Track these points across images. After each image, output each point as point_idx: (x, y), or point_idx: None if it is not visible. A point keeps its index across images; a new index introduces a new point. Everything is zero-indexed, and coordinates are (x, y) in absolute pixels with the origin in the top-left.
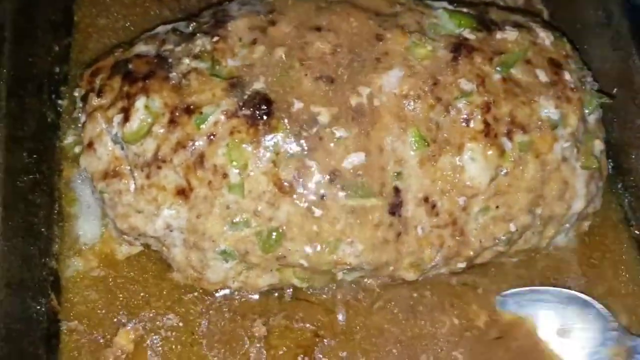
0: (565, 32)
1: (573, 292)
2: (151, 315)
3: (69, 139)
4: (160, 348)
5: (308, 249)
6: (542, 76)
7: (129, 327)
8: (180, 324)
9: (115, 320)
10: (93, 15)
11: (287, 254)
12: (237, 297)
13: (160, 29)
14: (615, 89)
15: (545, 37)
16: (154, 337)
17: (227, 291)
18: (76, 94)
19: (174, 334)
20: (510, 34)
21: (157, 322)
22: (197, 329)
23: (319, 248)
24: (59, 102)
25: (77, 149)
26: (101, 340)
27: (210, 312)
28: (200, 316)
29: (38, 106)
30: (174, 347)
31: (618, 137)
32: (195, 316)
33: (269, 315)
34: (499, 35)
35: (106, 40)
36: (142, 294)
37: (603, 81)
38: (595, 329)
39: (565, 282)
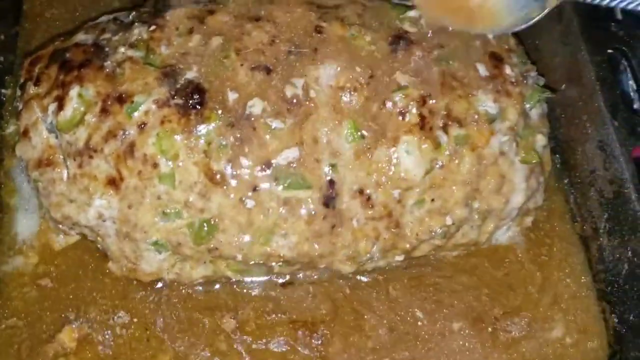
0: None
1: None
2: (98, 312)
3: (11, 129)
4: (112, 343)
5: (240, 241)
6: (482, 70)
7: (74, 325)
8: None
9: (61, 316)
10: (43, 4)
11: (219, 246)
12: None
13: (103, 18)
14: (564, 85)
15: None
16: (106, 333)
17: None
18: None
19: (125, 330)
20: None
21: (107, 319)
22: (151, 325)
23: (251, 240)
24: (3, 91)
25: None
26: (43, 336)
27: (162, 306)
28: (152, 312)
29: None
30: (125, 342)
31: (565, 133)
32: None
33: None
34: (441, 27)
35: (54, 30)
36: (86, 291)
37: (553, 76)
38: None
39: (509, 277)
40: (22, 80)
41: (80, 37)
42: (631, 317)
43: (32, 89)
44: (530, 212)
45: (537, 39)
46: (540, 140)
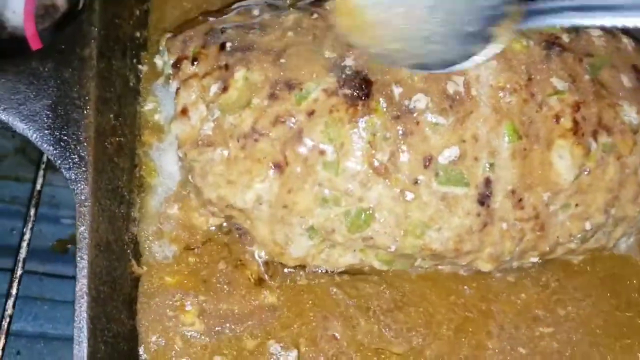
0: None
1: None
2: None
3: (149, 106)
4: None
5: (396, 232)
6: (626, 81)
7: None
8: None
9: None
10: None
11: (374, 235)
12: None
13: (252, 1)
14: None
15: (627, 44)
16: None
17: None
18: (157, 60)
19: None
20: (597, 37)
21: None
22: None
23: (406, 232)
24: (139, 67)
25: (156, 117)
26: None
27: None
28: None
29: (123, 69)
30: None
31: None
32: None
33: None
34: (587, 37)
35: (184, 4)
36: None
37: None
38: None
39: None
40: (173, 59)
41: (235, 18)
42: None
43: (189, 69)
44: None
45: None
46: None
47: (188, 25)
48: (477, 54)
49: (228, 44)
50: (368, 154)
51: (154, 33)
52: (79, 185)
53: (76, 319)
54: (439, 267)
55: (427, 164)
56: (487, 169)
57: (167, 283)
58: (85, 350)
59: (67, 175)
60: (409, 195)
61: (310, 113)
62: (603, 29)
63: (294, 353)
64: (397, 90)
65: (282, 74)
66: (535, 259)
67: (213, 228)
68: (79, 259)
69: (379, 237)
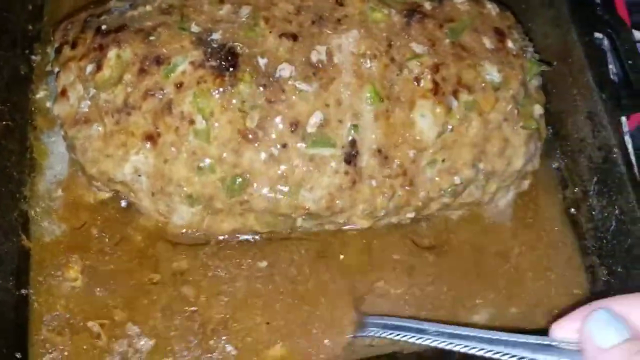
0: (512, 9)
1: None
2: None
3: (41, 94)
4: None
5: (270, 194)
6: (488, 43)
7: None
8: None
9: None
10: None
11: (250, 199)
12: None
13: None
14: (555, 63)
15: (491, 9)
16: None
17: None
18: (49, 50)
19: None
20: (460, 3)
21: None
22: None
23: (280, 193)
24: (32, 57)
25: (48, 104)
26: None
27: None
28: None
29: (12, 59)
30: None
31: (557, 106)
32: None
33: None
34: (450, 4)
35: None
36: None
37: (544, 55)
38: None
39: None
40: (57, 45)
41: (113, 4)
42: (619, 269)
43: (68, 52)
44: (528, 176)
45: (530, 22)
46: (538, 109)
47: (75, 13)
48: None
49: (103, 27)
50: (237, 122)
51: (48, 26)
52: None
53: None
54: (326, 227)
55: (294, 128)
56: (352, 131)
57: (55, 254)
58: None
59: None
60: (279, 159)
61: (179, 85)
62: None
63: (150, 343)
64: (262, 61)
65: (151, 50)
66: (411, 215)
67: (105, 200)
68: None
69: (254, 200)
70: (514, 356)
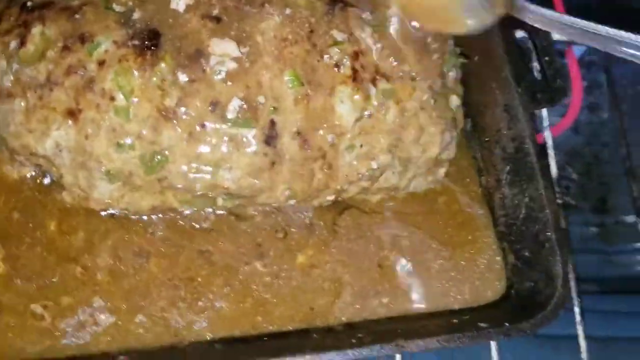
0: None
1: None
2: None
3: None
4: None
5: (188, 173)
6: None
7: None
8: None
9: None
10: None
11: (168, 176)
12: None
13: None
14: (477, 57)
15: None
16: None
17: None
18: None
19: None
20: None
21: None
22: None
23: (198, 172)
24: None
25: None
26: None
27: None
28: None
29: None
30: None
31: (476, 99)
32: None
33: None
34: None
35: None
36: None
37: (467, 49)
38: None
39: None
40: None
41: None
42: (526, 253)
43: None
44: (444, 164)
45: None
46: (455, 100)
47: None
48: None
49: (29, 3)
50: (157, 100)
51: None
52: None
53: None
54: (247, 208)
55: (213, 108)
56: (272, 112)
57: None
58: None
59: None
60: (198, 138)
61: (101, 63)
62: None
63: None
64: (184, 41)
65: (76, 28)
66: (331, 197)
67: (27, 177)
68: None
69: (173, 177)
70: None
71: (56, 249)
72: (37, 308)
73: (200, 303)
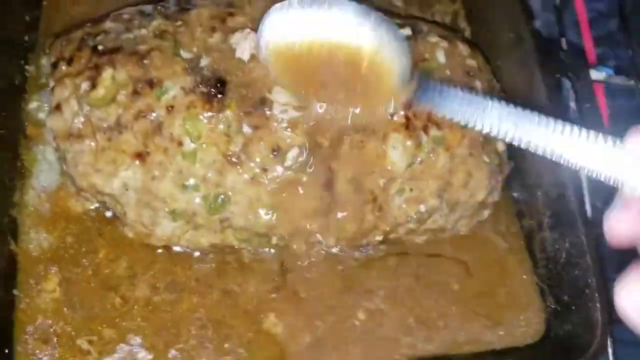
0: (482, 49)
1: None
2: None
3: (34, 104)
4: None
5: (249, 214)
6: (458, 83)
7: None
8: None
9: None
10: None
11: (231, 217)
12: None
13: (127, 9)
14: (519, 102)
15: (463, 49)
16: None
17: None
18: (43, 61)
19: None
20: (435, 42)
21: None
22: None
23: (259, 213)
24: (27, 67)
25: (40, 115)
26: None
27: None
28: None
29: (8, 69)
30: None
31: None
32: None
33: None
34: (424, 42)
35: (73, 11)
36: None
37: (511, 94)
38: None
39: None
40: (53, 60)
41: (109, 25)
42: (566, 297)
43: (64, 68)
44: (488, 206)
45: (498, 60)
46: (501, 146)
47: (71, 30)
48: None
49: (100, 47)
50: (222, 145)
51: (44, 37)
52: None
53: None
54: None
55: (275, 154)
56: (329, 158)
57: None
58: None
59: None
60: (259, 182)
61: (170, 108)
62: (441, 36)
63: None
64: (249, 89)
65: (145, 73)
66: (379, 238)
67: (91, 210)
68: None
69: (234, 218)
70: None
71: (100, 277)
72: (83, 343)
73: (226, 345)
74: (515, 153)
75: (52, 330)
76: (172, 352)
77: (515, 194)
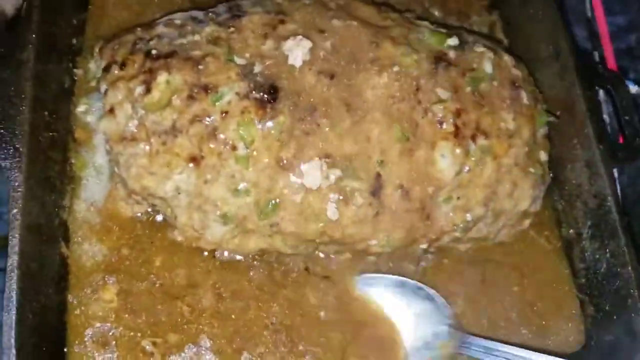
0: (523, 60)
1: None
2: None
3: (82, 107)
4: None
5: (299, 220)
6: (504, 93)
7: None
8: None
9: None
10: None
11: (280, 222)
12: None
13: (179, 15)
14: (559, 112)
15: (508, 60)
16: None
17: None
18: (91, 65)
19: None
20: (481, 53)
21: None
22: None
23: (308, 219)
24: (75, 70)
25: (88, 118)
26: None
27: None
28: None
29: (58, 72)
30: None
31: (558, 153)
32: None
33: None
34: (472, 54)
35: (120, 15)
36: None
37: (550, 105)
38: (430, 320)
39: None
40: (105, 64)
41: (161, 30)
42: (607, 307)
43: (117, 72)
44: (530, 216)
45: (537, 72)
46: (543, 155)
47: (122, 34)
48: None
49: (153, 51)
50: (275, 151)
51: (91, 40)
52: (13, 172)
53: (6, 290)
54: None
55: (326, 160)
56: (378, 166)
57: (92, 263)
58: (14, 318)
59: (3, 164)
60: (310, 188)
61: (224, 113)
62: (487, 46)
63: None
64: (301, 95)
65: (199, 78)
66: (424, 246)
67: (139, 215)
68: (10, 237)
69: (284, 223)
70: None
71: (162, 287)
72: (147, 344)
73: (300, 347)
74: (554, 163)
75: (111, 334)
76: (245, 355)
77: (554, 204)
